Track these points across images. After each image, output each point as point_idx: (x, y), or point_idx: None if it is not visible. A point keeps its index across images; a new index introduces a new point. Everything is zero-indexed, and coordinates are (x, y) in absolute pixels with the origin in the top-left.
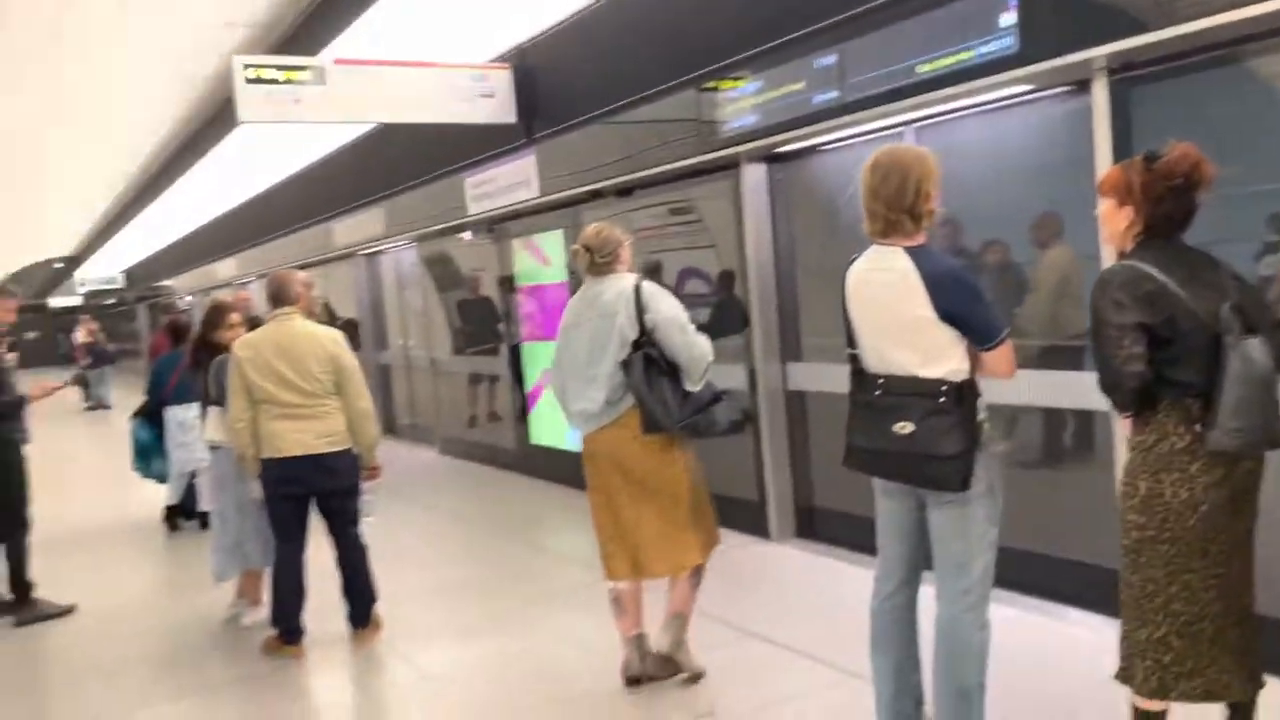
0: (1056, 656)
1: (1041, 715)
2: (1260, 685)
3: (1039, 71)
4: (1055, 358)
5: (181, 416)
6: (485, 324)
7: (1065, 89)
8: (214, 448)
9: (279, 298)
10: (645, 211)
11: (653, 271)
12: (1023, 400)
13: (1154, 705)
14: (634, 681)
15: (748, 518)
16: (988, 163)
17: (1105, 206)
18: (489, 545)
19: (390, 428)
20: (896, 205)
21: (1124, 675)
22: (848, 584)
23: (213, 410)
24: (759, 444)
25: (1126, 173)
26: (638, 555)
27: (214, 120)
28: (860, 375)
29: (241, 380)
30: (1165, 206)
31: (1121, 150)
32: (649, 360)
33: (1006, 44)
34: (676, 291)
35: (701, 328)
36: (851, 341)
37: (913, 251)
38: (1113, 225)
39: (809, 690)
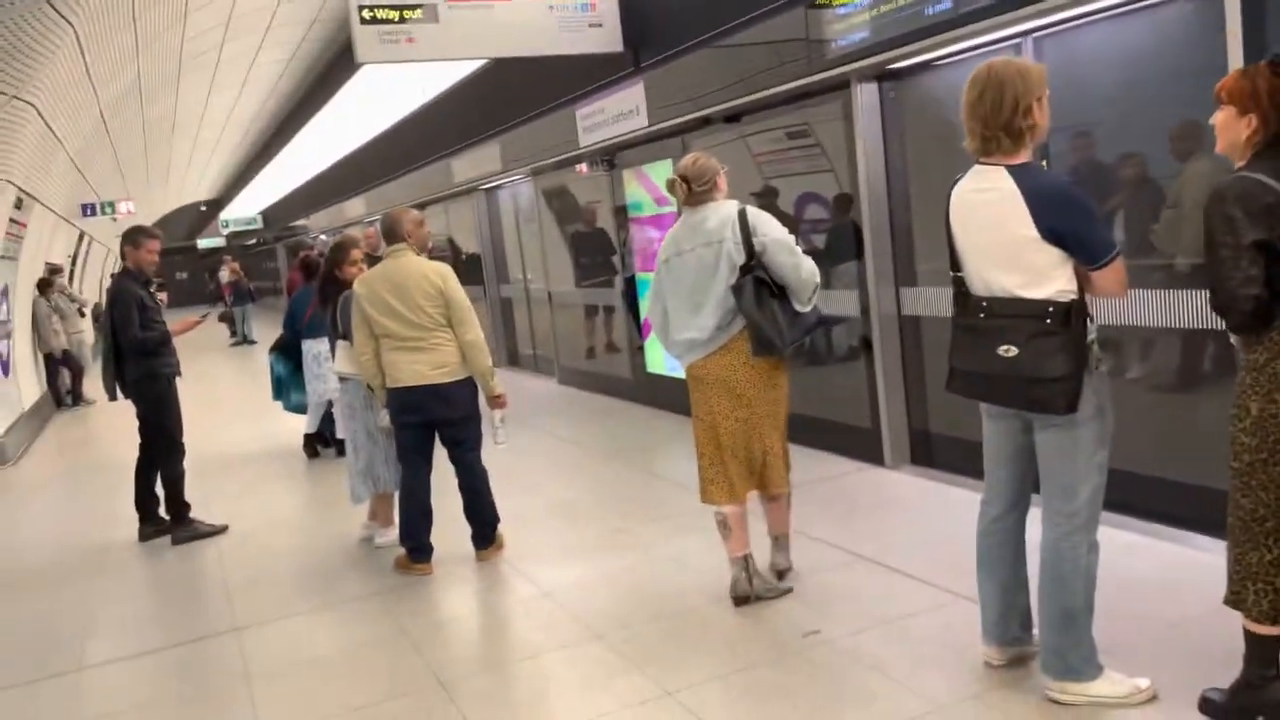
0: (1172, 580)
1: (1151, 639)
2: None
3: None
4: (1200, 277)
5: (316, 350)
6: (600, 256)
7: None
8: (343, 379)
9: (391, 235)
10: (762, 136)
11: (769, 197)
12: (1163, 321)
13: (1268, 630)
14: (742, 600)
15: (862, 444)
16: (1110, 74)
17: (1224, 115)
18: (605, 471)
19: (513, 359)
20: (993, 122)
21: (1235, 600)
22: (960, 509)
23: (340, 344)
24: (873, 370)
25: (1250, 79)
26: (734, 480)
27: (338, 63)
28: (963, 298)
29: (361, 315)
30: None
31: (1254, 57)
32: (759, 283)
33: None
34: (796, 216)
35: (820, 252)
36: (955, 264)
37: (1015, 170)
38: (1233, 134)
39: (916, 611)
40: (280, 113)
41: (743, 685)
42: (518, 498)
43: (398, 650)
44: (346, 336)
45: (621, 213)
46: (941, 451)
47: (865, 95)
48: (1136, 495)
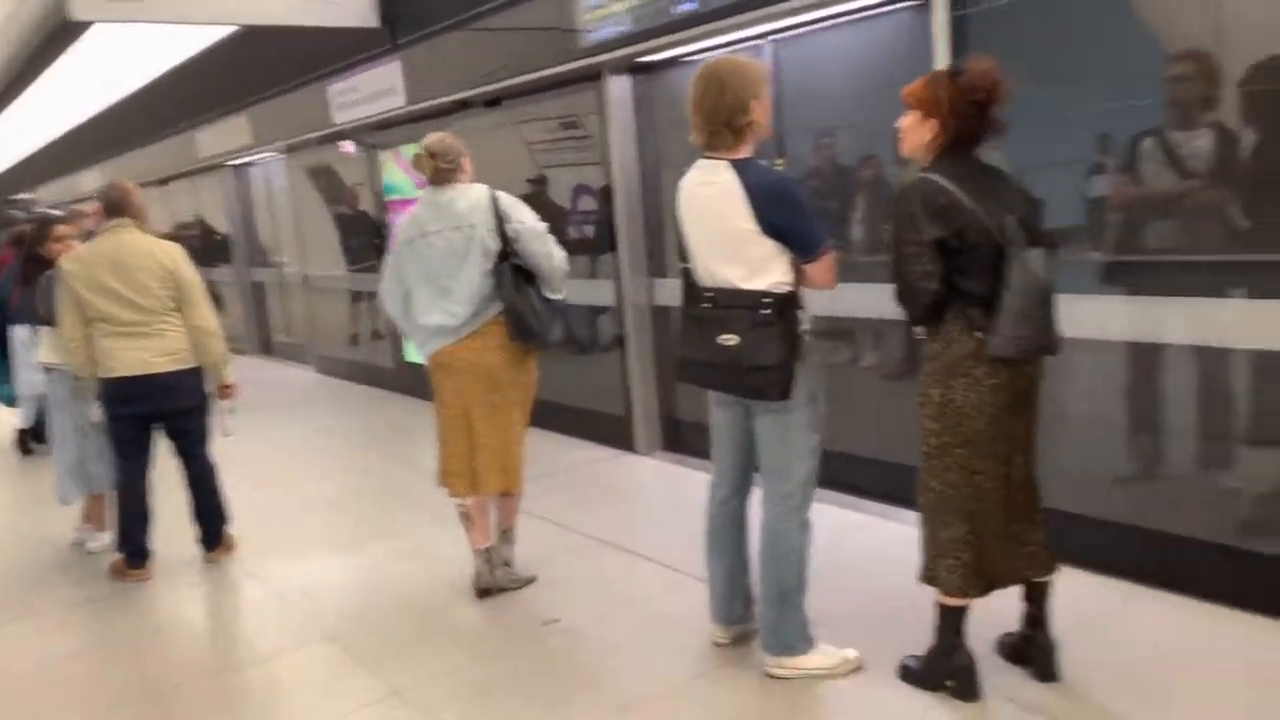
0: (889, 556)
1: (865, 611)
2: (1052, 570)
3: None
4: None
5: (25, 336)
6: (363, 239)
7: (911, 4)
8: (48, 369)
9: (113, 209)
10: (536, 125)
11: (541, 185)
12: (894, 313)
13: (956, 601)
14: (485, 592)
15: (615, 431)
16: (842, 77)
17: (910, 119)
18: (356, 462)
19: (266, 347)
20: (715, 118)
21: (928, 576)
22: (704, 492)
23: (44, 330)
24: (625, 359)
25: (933, 86)
26: (479, 470)
27: (64, 24)
28: (691, 289)
29: (72, 297)
30: (968, 121)
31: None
32: (516, 269)
33: None
34: (568, 206)
35: (585, 241)
36: (684, 255)
37: (737, 165)
38: (917, 137)
39: (653, 594)
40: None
41: (475, 678)
42: (260, 492)
43: (110, 660)
44: (51, 322)
45: (383, 195)
46: (690, 437)
47: (617, 87)
48: (865, 477)
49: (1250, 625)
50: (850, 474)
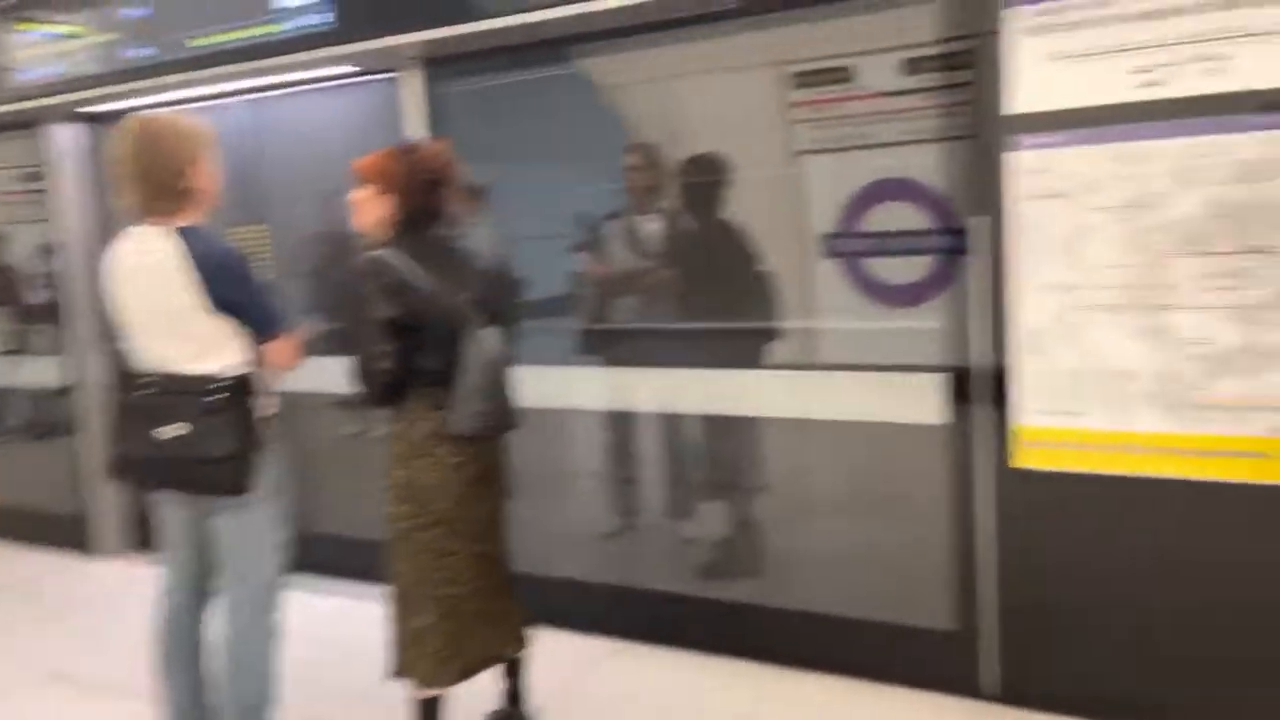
0: (374, 643)
1: (349, 708)
2: (525, 644)
3: (353, 53)
4: None
5: None
6: None
7: (389, 75)
8: None
9: None
10: None
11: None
12: None
13: (432, 692)
14: None
15: (66, 533)
16: (329, 143)
17: (364, 193)
18: None
19: None
20: (150, 179)
21: (398, 669)
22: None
23: None
24: (78, 446)
25: (389, 161)
26: None
27: None
28: (125, 373)
29: None
30: (423, 199)
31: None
32: None
33: (326, 19)
34: (34, 270)
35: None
36: (116, 334)
37: (182, 233)
38: (373, 213)
39: None
40: None
41: None
42: None
43: None
44: None
45: None
46: None
47: (63, 137)
48: (356, 559)
49: (719, 669)
50: (354, 557)
